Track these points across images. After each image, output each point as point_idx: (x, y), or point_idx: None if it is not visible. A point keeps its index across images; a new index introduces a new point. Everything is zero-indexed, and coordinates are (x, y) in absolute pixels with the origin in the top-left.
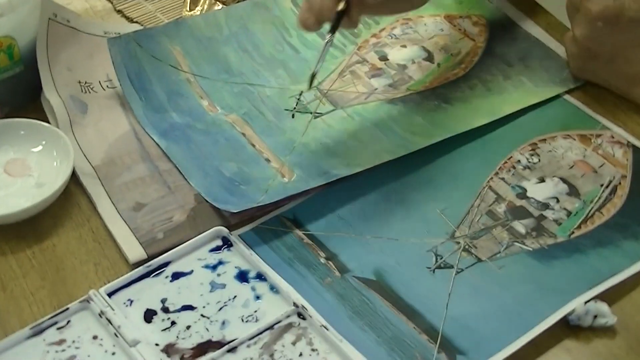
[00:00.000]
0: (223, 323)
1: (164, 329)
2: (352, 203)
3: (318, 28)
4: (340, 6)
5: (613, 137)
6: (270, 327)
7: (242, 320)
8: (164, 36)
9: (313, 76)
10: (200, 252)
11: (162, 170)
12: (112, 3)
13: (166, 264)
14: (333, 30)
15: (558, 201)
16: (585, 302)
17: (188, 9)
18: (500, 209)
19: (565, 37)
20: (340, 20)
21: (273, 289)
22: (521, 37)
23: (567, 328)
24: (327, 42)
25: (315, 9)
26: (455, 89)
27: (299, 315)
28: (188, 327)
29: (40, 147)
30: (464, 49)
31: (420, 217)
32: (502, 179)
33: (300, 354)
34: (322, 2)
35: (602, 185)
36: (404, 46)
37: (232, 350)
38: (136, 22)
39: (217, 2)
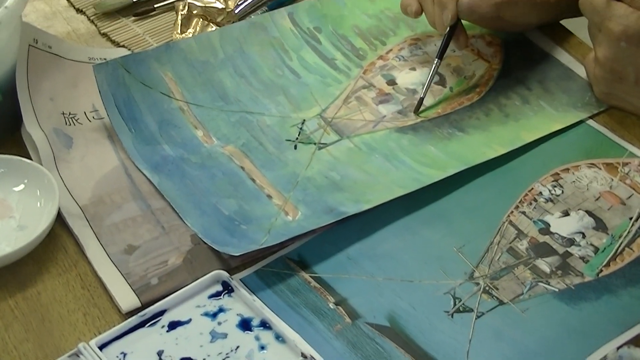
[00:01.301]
0: None
1: None
2: (362, 242)
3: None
4: (449, 21)
5: None
6: None
7: None
8: (154, 61)
9: (421, 101)
10: (198, 298)
11: (155, 209)
12: (96, 26)
13: (162, 313)
14: (441, 55)
15: (584, 236)
16: (618, 348)
17: (179, 31)
18: (522, 245)
19: (587, 59)
20: (450, 40)
21: (279, 337)
22: (540, 58)
23: None
24: (435, 66)
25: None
26: (470, 115)
27: None
28: None
29: (22, 186)
30: (479, 71)
31: (436, 256)
32: (523, 212)
33: None
34: (433, 12)
35: (631, 219)
36: (413, 69)
37: None
38: (123, 46)
39: (210, 23)
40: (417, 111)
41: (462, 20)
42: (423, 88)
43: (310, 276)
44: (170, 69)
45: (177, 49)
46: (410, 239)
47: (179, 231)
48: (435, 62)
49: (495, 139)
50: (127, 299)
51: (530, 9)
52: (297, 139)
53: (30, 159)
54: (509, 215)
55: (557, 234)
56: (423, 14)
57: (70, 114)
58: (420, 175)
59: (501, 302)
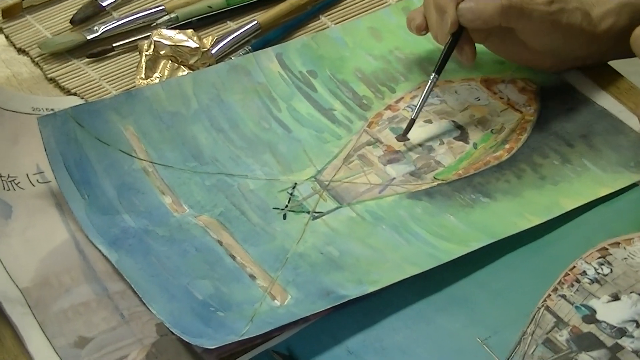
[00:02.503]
0: None
1: None
2: (365, 332)
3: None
4: (448, 27)
5: None
6: None
7: None
8: (113, 112)
9: (412, 123)
10: None
11: (113, 293)
12: (41, 69)
13: None
14: (440, 69)
15: (638, 325)
16: None
17: (143, 75)
18: (562, 337)
19: None
20: (451, 51)
21: None
22: (583, 107)
23: None
24: (431, 82)
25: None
26: (498, 177)
27: None
28: None
29: None
30: (508, 123)
31: (456, 350)
32: (563, 296)
33: None
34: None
35: None
36: (429, 121)
37: None
38: (74, 94)
39: (182, 66)
40: (405, 134)
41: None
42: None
43: None
44: (133, 121)
45: (140, 98)
46: (425, 329)
47: (142, 319)
48: (431, 77)
49: (528, 207)
50: None
51: (551, 29)
52: (286, 206)
53: None
54: (545, 300)
55: (604, 322)
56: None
57: (9, 176)
58: (437, 251)
59: None
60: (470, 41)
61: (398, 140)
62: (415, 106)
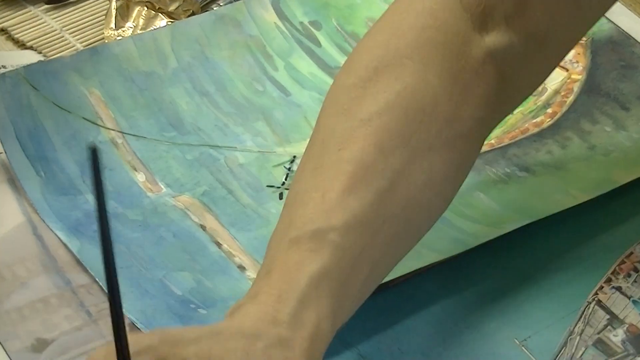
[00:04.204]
0: None
1: None
2: (380, 334)
3: None
4: None
5: None
6: None
7: None
8: (74, 73)
9: None
10: None
11: (78, 287)
12: None
13: None
14: None
15: None
16: None
17: (114, 25)
18: (617, 337)
19: None
20: None
21: None
22: None
23: None
24: None
25: None
26: (538, 147)
27: None
28: None
29: None
30: (551, 83)
31: (489, 353)
32: (618, 288)
33: None
34: None
35: None
36: None
37: None
38: (31, 47)
39: (160, 14)
40: None
41: None
42: None
43: None
44: (98, 84)
45: (108, 55)
46: (451, 330)
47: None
48: None
49: (574, 182)
50: None
51: None
52: (283, 184)
53: None
54: (596, 293)
55: None
56: None
57: None
58: (464, 235)
59: None
60: None
61: None
62: None
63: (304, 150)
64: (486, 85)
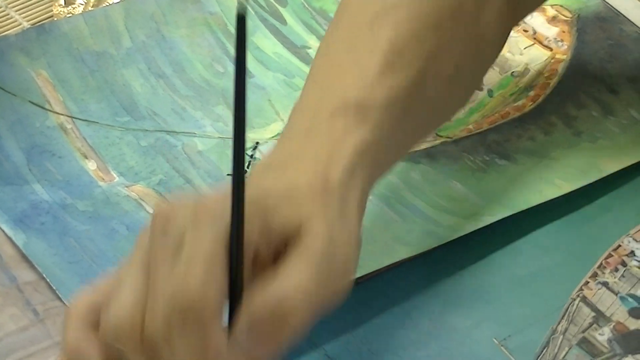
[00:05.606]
0: None
1: None
2: (349, 333)
3: None
4: None
5: None
6: None
7: None
8: (20, 53)
9: None
10: None
11: (24, 284)
12: None
13: None
14: None
15: None
16: None
17: (63, 2)
18: (603, 336)
19: None
20: None
21: None
22: (631, 43)
23: None
24: None
25: None
26: (520, 133)
27: None
28: None
29: None
30: (534, 64)
31: (467, 353)
32: (604, 284)
33: None
34: None
35: None
36: None
37: None
38: None
39: None
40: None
41: None
42: None
43: None
44: (46, 65)
45: (56, 34)
46: (426, 328)
47: (60, 318)
48: None
49: (558, 170)
50: None
51: None
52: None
53: None
54: (581, 289)
55: None
56: None
57: None
58: (439, 228)
59: None
60: None
61: None
62: None
63: (268, 136)
64: None
